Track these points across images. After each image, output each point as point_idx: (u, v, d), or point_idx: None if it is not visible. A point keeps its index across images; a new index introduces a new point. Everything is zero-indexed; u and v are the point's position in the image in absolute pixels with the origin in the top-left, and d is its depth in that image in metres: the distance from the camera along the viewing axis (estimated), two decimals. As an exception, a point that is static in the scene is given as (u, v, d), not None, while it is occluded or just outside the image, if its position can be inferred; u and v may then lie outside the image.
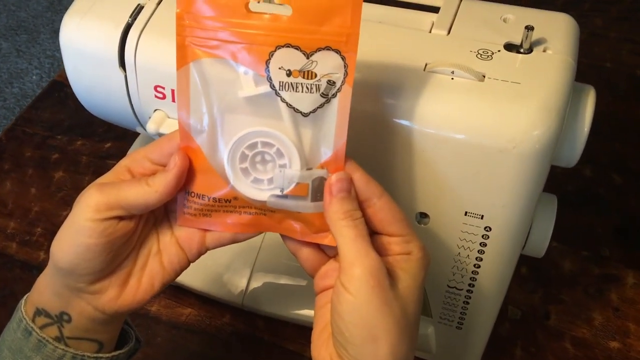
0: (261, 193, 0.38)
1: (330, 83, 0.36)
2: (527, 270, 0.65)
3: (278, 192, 0.38)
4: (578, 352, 0.60)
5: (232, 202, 0.39)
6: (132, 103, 0.48)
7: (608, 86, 0.81)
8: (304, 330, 0.40)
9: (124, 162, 0.39)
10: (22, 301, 0.41)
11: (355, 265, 0.34)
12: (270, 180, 0.38)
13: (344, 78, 0.36)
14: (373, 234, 0.37)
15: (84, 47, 0.47)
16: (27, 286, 0.40)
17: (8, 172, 0.77)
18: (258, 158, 0.38)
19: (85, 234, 0.36)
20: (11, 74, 1.71)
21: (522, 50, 0.42)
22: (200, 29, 0.36)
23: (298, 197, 0.38)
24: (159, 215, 0.41)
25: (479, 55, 0.42)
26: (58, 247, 0.37)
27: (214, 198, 0.39)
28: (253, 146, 0.38)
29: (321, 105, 0.36)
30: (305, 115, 0.37)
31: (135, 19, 0.46)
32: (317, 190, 0.38)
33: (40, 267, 0.67)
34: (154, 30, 0.46)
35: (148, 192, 0.37)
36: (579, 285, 0.64)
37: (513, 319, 0.62)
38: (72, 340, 0.40)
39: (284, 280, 0.62)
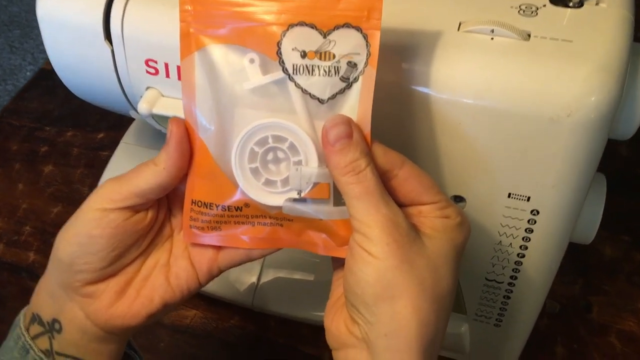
0: (275, 197, 0.34)
1: (351, 65, 0.31)
2: (564, 259, 0.59)
3: (295, 195, 0.33)
4: (626, 348, 0.54)
5: (244, 211, 0.34)
6: (121, 81, 0.43)
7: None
8: (323, 331, 0.35)
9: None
10: (21, 315, 0.38)
11: (365, 224, 0.31)
12: (285, 182, 0.33)
13: (367, 59, 0.31)
14: (404, 206, 0.33)
15: (64, 19, 0.42)
16: (16, 290, 0.36)
17: (-6, 167, 0.71)
18: (270, 156, 0.33)
19: (92, 225, 0.34)
20: (4, 70, 1.66)
21: (571, 4, 0.37)
22: (205, 13, 0.32)
23: (318, 200, 0.33)
24: (178, 225, 0.38)
25: (521, 12, 0.37)
26: (62, 236, 0.35)
27: (222, 206, 0.34)
28: (263, 142, 0.33)
29: (341, 91, 0.32)
30: (322, 102, 0.32)
31: (121, -17, 0.41)
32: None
33: (29, 269, 0.62)
34: (144, -4, 0.40)
35: (156, 171, 0.34)
36: (621, 274, 0.59)
37: (551, 313, 0.56)
38: (61, 357, 0.36)
39: (298, 276, 0.56)
